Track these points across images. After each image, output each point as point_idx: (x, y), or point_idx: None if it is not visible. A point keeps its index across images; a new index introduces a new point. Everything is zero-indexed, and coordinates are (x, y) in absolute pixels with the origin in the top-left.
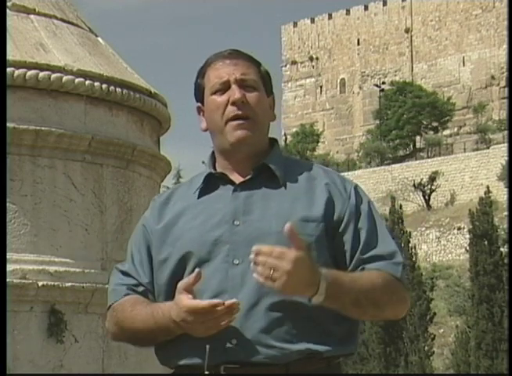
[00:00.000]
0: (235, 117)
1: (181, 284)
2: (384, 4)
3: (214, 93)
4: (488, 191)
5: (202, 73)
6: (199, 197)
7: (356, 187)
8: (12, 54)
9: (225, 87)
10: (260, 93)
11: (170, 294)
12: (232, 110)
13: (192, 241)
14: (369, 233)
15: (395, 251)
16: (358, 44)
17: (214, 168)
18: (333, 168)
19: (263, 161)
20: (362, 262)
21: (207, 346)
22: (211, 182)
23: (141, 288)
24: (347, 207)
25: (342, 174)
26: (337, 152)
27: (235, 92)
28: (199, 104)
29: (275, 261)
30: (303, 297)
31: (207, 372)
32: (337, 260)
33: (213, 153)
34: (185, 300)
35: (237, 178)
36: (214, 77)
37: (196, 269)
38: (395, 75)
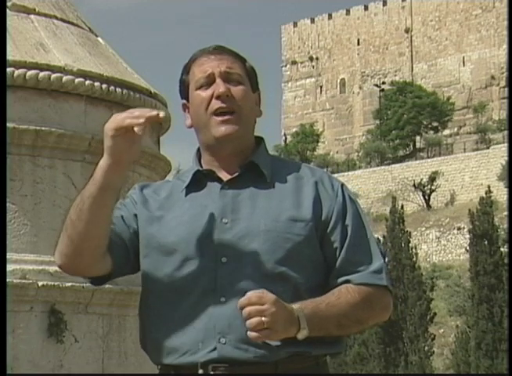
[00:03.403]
0: (219, 111)
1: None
2: (384, 4)
3: (199, 88)
4: (489, 191)
5: (187, 69)
6: (186, 194)
7: (343, 186)
8: (12, 54)
9: (209, 81)
10: (245, 87)
11: (148, 285)
12: (216, 104)
13: (179, 238)
14: (354, 234)
15: (377, 256)
16: (358, 44)
17: (200, 164)
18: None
19: (250, 159)
20: (345, 271)
21: (200, 344)
22: (198, 179)
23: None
24: (335, 206)
25: (342, 174)
26: (337, 152)
27: (219, 86)
28: (184, 101)
29: (258, 306)
30: (289, 335)
31: (200, 371)
32: (328, 260)
33: (198, 149)
34: None
35: (224, 176)
36: (199, 72)
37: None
38: (395, 75)
